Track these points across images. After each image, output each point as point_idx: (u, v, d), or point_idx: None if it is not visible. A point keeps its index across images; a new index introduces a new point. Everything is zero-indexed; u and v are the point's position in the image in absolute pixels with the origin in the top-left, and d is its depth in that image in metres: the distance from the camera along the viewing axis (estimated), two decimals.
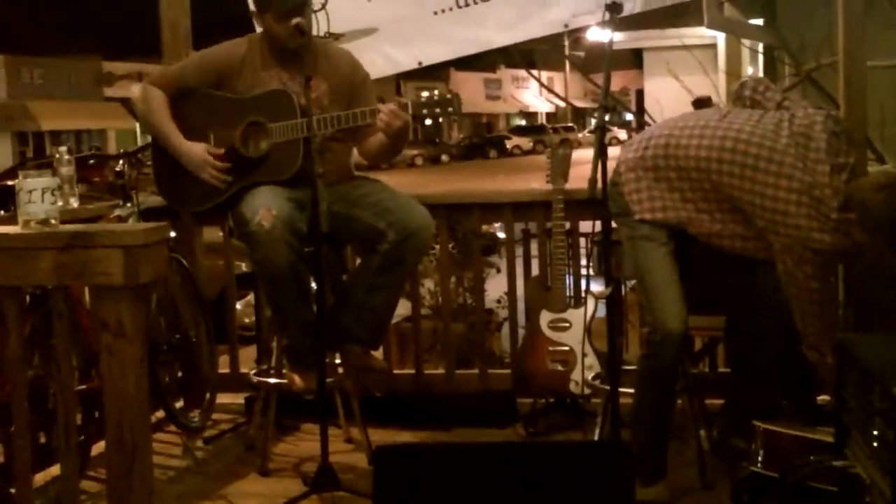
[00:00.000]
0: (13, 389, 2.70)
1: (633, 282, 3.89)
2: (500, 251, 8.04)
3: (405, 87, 34.39)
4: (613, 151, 3.44)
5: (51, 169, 3.78)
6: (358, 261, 4.13)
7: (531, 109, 54.14)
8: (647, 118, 6.66)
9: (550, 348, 4.25)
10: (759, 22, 6.60)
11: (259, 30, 3.95)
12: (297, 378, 3.81)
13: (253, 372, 4.29)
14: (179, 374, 4.46)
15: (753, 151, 3.26)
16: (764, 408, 3.40)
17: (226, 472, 4.02)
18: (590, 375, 4.04)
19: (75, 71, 30.45)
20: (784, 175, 3.22)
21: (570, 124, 49.72)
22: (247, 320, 6.14)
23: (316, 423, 3.67)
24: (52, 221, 2.62)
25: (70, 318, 2.90)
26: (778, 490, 3.01)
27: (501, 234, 6.17)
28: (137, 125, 4.79)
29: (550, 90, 26.08)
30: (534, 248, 4.74)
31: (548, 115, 55.43)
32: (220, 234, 4.70)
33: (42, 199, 2.60)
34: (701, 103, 5.16)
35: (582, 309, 4.24)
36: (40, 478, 3.29)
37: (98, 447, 3.63)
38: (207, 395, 4.50)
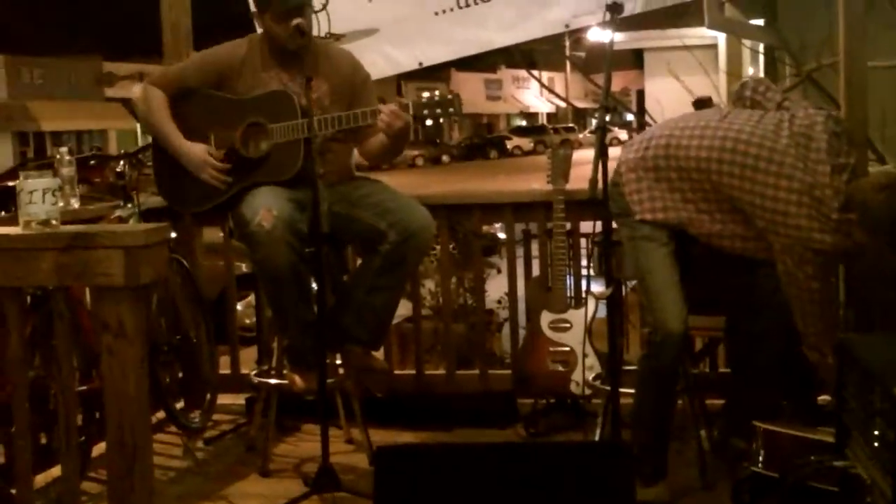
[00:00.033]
0: (14, 390, 2.70)
1: (633, 282, 3.89)
2: (500, 252, 8.04)
3: (406, 88, 34.39)
4: (614, 152, 3.45)
5: (51, 169, 3.78)
6: (359, 261, 4.13)
7: (532, 110, 54.13)
8: (647, 118, 6.66)
9: (551, 349, 4.25)
10: (760, 22, 6.60)
11: (260, 30, 3.95)
12: (297, 379, 3.81)
13: (253, 372, 4.29)
14: (180, 374, 4.46)
15: (753, 152, 3.26)
16: (764, 408, 3.41)
17: (226, 473, 4.02)
18: (590, 376, 4.04)
19: (76, 71, 30.45)
20: (784, 175, 3.22)
21: (570, 125, 49.73)
22: (247, 321, 6.15)
23: (317, 424, 3.67)
24: (53, 222, 2.62)
25: (71, 319, 2.90)
26: (778, 490, 3.01)
27: (502, 235, 6.16)
28: (138, 126, 4.79)
29: (551, 90, 26.10)
30: (534, 248, 4.74)
31: (548, 115, 55.42)
32: (221, 234, 4.70)
33: (43, 199, 2.61)
34: (701, 104, 5.16)
35: (582, 309, 4.24)
36: (41, 479, 3.29)
37: (99, 448, 3.63)
38: (208, 396, 4.50)
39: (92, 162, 5.11)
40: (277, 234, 3.54)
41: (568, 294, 4.39)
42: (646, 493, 3.38)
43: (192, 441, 4.27)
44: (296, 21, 3.68)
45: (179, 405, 4.41)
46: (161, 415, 4.20)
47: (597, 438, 3.80)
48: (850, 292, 3.79)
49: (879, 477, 2.52)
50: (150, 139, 3.99)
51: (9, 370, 2.71)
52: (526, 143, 47.28)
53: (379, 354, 4.12)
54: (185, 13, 4.63)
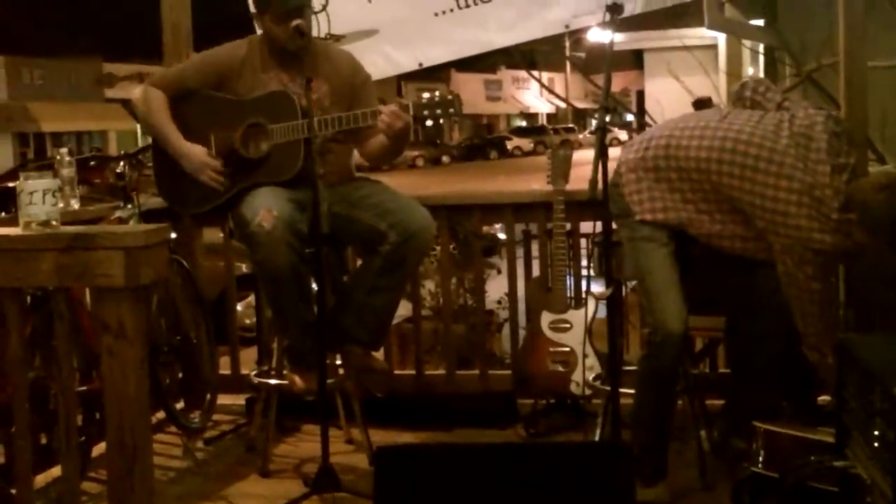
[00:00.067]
0: (14, 391, 2.70)
1: (633, 283, 3.89)
2: (500, 252, 8.03)
3: (406, 89, 34.39)
4: (614, 152, 3.45)
5: (52, 170, 3.78)
6: (359, 262, 4.13)
7: (532, 110, 54.11)
8: (647, 119, 6.66)
9: (551, 349, 4.26)
10: (760, 22, 6.60)
11: (260, 31, 3.95)
12: (297, 379, 3.81)
13: (253, 373, 4.30)
14: (180, 375, 4.47)
15: (753, 152, 3.27)
16: (764, 408, 3.40)
17: (226, 473, 4.02)
18: (590, 376, 4.04)
19: (76, 72, 30.44)
20: (784, 176, 3.22)
21: (570, 125, 49.71)
22: (247, 321, 6.15)
23: (317, 424, 3.67)
24: (53, 223, 2.62)
25: (71, 320, 2.91)
26: (778, 491, 3.01)
27: (502, 235, 6.16)
28: (138, 127, 4.79)
29: (551, 91, 26.09)
30: (534, 249, 4.74)
31: (548, 115, 55.41)
32: (221, 235, 4.71)
33: (43, 200, 2.61)
34: (701, 104, 5.15)
35: (582, 310, 4.24)
36: (41, 479, 3.30)
37: (99, 448, 3.64)
38: (208, 397, 4.51)
39: (92, 163, 5.10)
40: (277, 234, 3.54)
41: (568, 294, 4.39)
42: (646, 493, 3.38)
43: (192, 441, 4.27)
44: (295, 22, 3.68)
45: (179, 406, 4.42)
46: (161, 415, 4.20)
47: (597, 439, 3.80)
48: (850, 292, 3.79)
49: (879, 477, 2.52)
50: (150, 140, 3.99)
51: (9, 371, 2.71)
52: (526, 143, 47.27)
53: (379, 355, 4.12)
54: (185, 14, 4.64)
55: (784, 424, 3.26)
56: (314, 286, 3.72)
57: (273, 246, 3.55)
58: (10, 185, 8.98)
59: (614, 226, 3.47)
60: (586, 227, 4.39)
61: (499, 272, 7.75)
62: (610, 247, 3.38)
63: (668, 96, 7.21)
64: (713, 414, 3.78)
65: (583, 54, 25.10)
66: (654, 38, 11.41)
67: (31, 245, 2.57)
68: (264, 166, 3.73)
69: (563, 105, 49.17)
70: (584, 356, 4.05)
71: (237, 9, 4.36)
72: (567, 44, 22.36)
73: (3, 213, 9.00)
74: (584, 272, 4.53)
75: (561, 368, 4.23)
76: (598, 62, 4.78)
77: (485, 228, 6.08)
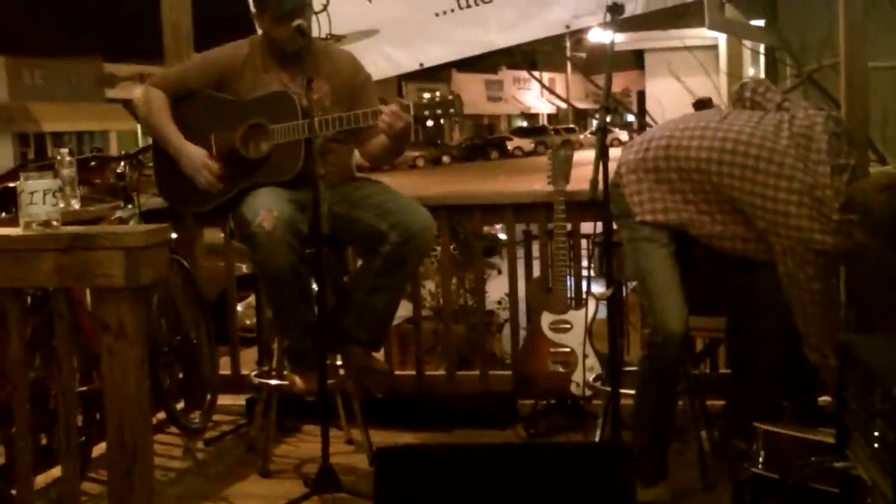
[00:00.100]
0: (14, 391, 2.70)
1: (634, 283, 3.89)
2: (501, 252, 8.03)
3: (407, 89, 34.39)
4: (615, 153, 3.45)
5: (52, 170, 3.77)
6: (359, 262, 4.13)
7: (532, 111, 54.14)
8: (648, 119, 6.66)
9: (551, 350, 4.25)
10: (761, 23, 6.61)
11: (260, 31, 3.95)
12: (298, 379, 3.81)
13: (254, 373, 4.30)
14: (180, 375, 4.47)
15: (753, 152, 3.26)
16: (765, 409, 3.40)
17: (227, 474, 4.02)
18: (591, 377, 4.04)
19: (76, 72, 30.45)
20: (784, 176, 3.22)
21: (571, 125, 49.74)
22: (248, 322, 6.15)
23: (317, 425, 3.67)
24: (54, 223, 2.62)
25: (71, 320, 2.91)
26: (779, 491, 3.01)
27: (502, 236, 6.16)
28: (139, 127, 4.79)
29: (552, 91, 26.14)
30: (535, 249, 4.74)
31: (549, 116, 55.43)
32: (221, 235, 4.70)
33: (43, 200, 2.61)
34: (702, 104, 5.16)
35: (583, 310, 4.24)
36: (41, 479, 3.30)
37: (99, 448, 3.63)
38: (208, 397, 4.50)
39: (92, 163, 5.11)
40: (278, 234, 3.54)
41: (568, 295, 4.39)
42: (646, 493, 3.38)
43: (192, 442, 4.27)
44: (296, 22, 3.67)
45: (180, 406, 4.41)
46: (161, 415, 4.20)
47: (597, 439, 3.80)
48: (851, 293, 3.79)
49: (880, 478, 2.52)
50: (150, 140, 3.99)
51: (9, 371, 2.71)
52: (527, 143, 47.28)
53: (379, 355, 4.12)
54: (185, 14, 4.63)
55: (785, 425, 3.25)
56: (314, 287, 3.72)
57: (273, 246, 3.55)
58: (11, 185, 8.98)
59: (615, 226, 3.47)
60: (587, 227, 4.39)
61: (499, 272, 7.74)
62: (610, 247, 3.38)
63: (668, 96, 7.22)
64: (714, 414, 3.78)
65: (584, 55, 25.09)
66: (654, 38, 11.42)
67: (32, 245, 2.57)
68: (265, 166, 3.73)
69: (563, 105, 49.22)
70: (585, 357, 4.06)
71: (237, 9, 4.36)
72: (568, 44, 22.40)
73: (3, 213, 9.00)
74: (585, 273, 4.53)
75: (561, 369, 4.23)
76: (598, 62, 4.79)
77: (485, 229, 6.06)
